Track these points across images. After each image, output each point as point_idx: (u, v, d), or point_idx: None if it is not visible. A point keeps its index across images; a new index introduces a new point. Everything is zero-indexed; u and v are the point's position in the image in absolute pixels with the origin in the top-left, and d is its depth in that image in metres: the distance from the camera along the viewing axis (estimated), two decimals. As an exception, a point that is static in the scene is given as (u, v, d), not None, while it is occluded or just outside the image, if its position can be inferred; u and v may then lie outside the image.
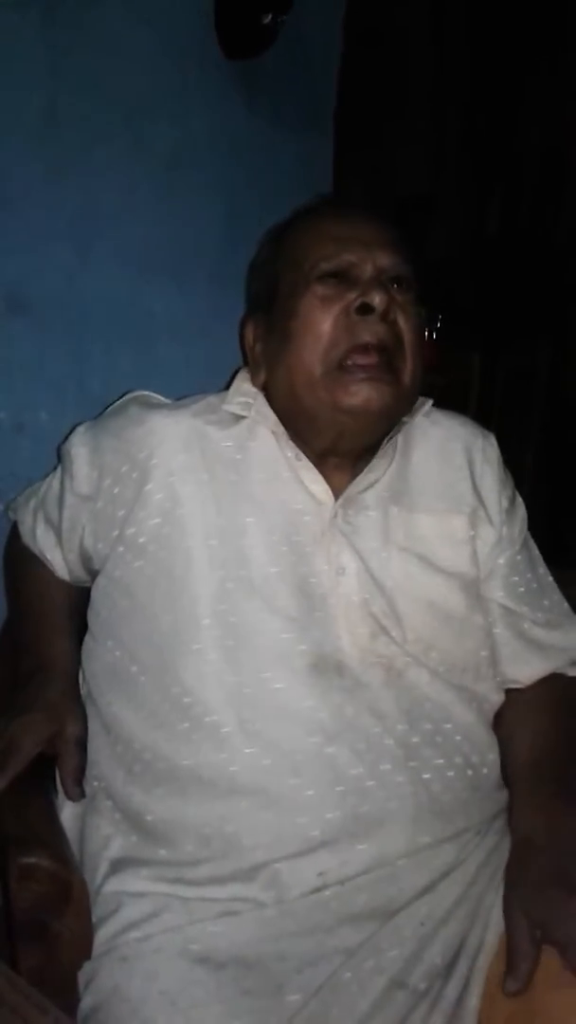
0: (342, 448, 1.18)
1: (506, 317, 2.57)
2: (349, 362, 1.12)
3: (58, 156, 1.41)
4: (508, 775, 1.17)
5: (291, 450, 1.18)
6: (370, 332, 1.11)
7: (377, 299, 1.11)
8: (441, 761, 1.10)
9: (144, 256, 1.55)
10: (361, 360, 1.12)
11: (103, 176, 1.47)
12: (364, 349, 1.12)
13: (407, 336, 1.15)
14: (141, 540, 1.14)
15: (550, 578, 1.31)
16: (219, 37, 1.61)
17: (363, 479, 1.19)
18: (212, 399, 1.25)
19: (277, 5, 1.60)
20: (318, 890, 1.01)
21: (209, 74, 1.62)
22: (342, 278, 1.14)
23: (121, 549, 1.16)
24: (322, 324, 1.13)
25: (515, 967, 0.97)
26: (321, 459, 1.19)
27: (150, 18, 1.50)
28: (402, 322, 1.15)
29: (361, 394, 1.11)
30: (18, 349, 1.42)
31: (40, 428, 1.44)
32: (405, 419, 1.23)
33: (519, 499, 1.31)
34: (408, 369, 1.15)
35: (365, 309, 1.12)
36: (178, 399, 1.28)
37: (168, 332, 1.60)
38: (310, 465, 1.18)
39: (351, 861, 1.02)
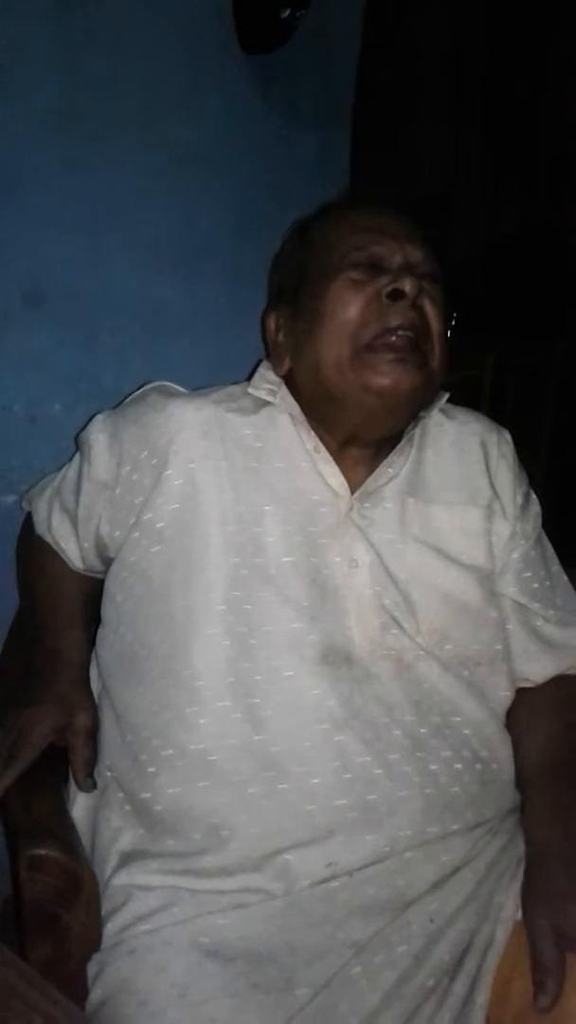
0: (364, 435, 1.18)
1: (520, 317, 2.57)
2: (378, 343, 1.12)
3: (73, 149, 1.40)
4: (519, 775, 1.17)
5: (311, 441, 1.19)
6: (400, 316, 1.12)
7: (408, 285, 1.12)
8: (449, 753, 1.10)
9: (157, 250, 1.54)
10: (391, 341, 1.12)
11: (117, 170, 1.46)
12: (394, 332, 1.12)
13: (434, 324, 1.16)
14: (159, 525, 1.14)
15: (564, 576, 1.30)
16: (237, 31, 1.60)
17: (381, 473, 1.20)
18: (233, 388, 1.26)
19: (296, 0, 1.60)
20: (327, 880, 1.01)
21: (226, 69, 1.62)
22: (373, 267, 1.15)
23: (137, 535, 1.16)
24: (352, 306, 1.13)
25: (544, 983, 0.96)
26: (341, 450, 1.19)
27: (167, 11, 1.50)
28: (430, 309, 1.15)
29: (391, 375, 1.12)
30: (32, 342, 1.41)
31: (54, 420, 1.44)
32: (422, 413, 1.23)
33: (533, 496, 1.31)
34: (435, 355, 1.16)
35: (396, 295, 1.12)
36: (193, 389, 1.28)
37: (181, 326, 1.60)
38: (328, 457, 1.18)
39: (359, 851, 1.03)
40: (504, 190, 2.53)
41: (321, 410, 1.19)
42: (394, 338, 1.12)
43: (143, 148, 1.50)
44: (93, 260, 1.47)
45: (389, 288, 1.12)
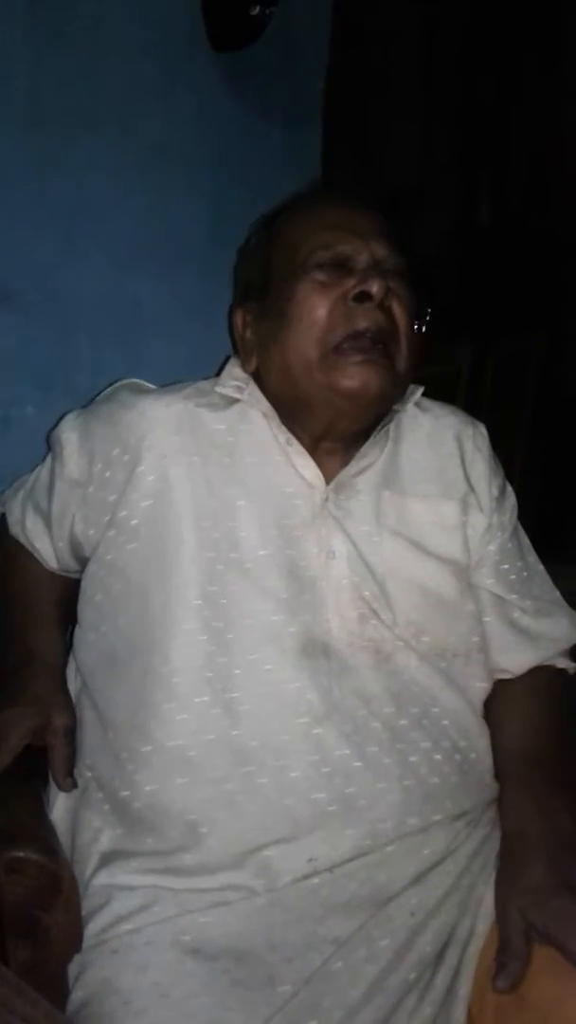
0: (336, 432, 1.18)
1: (496, 310, 2.57)
2: (346, 346, 1.12)
3: (43, 147, 1.40)
4: (497, 766, 1.17)
5: (283, 434, 1.19)
6: (367, 319, 1.12)
7: (375, 287, 1.12)
8: (428, 744, 1.10)
9: (131, 248, 1.54)
10: (358, 344, 1.12)
11: (89, 168, 1.46)
12: (361, 335, 1.12)
13: (402, 323, 1.16)
14: (134, 522, 1.14)
15: (540, 566, 1.31)
16: (207, 29, 1.60)
17: (355, 465, 1.20)
18: (203, 384, 1.25)
19: (265, -3, 1.60)
20: (308, 877, 1.01)
21: (197, 66, 1.62)
22: (339, 267, 1.15)
23: (112, 533, 1.16)
24: (319, 308, 1.13)
25: (508, 965, 0.97)
26: (314, 444, 1.19)
27: (137, 9, 1.50)
28: (397, 310, 1.15)
29: (359, 377, 1.12)
30: (4, 342, 1.41)
31: (27, 421, 1.43)
32: (397, 406, 1.23)
33: (509, 488, 1.31)
34: (403, 355, 1.16)
35: (363, 297, 1.12)
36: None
37: (155, 324, 1.60)
38: (302, 450, 1.18)
39: (340, 846, 1.02)
40: (477, 182, 2.53)
41: (290, 409, 1.19)
42: (362, 341, 1.12)
43: (116, 146, 1.50)
44: (66, 258, 1.47)
45: (356, 290, 1.13)
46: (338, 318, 1.13)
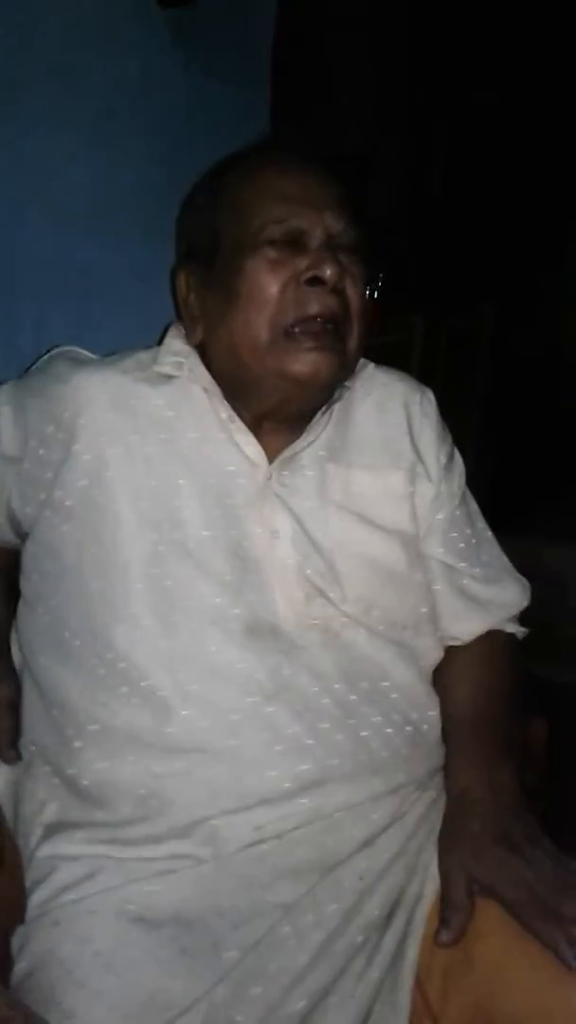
0: (281, 414, 1.16)
1: (449, 278, 2.57)
2: (297, 330, 1.09)
3: (-17, 105, 1.36)
4: (445, 730, 1.17)
5: (225, 411, 1.16)
6: (320, 303, 1.09)
7: (328, 271, 1.09)
8: (379, 719, 1.10)
9: (75, 210, 1.50)
10: (309, 329, 1.09)
11: (32, 127, 1.42)
12: (313, 319, 1.09)
13: (354, 304, 1.13)
14: (68, 503, 1.11)
15: (489, 533, 1.31)
16: (152, -16, 1.56)
17: (300, 442, 1.18)
18: (142, 355, 1.21)
19: (212, -47, 1.56)
20: (255, 844, 1.01)
21: (141, 23, 1.57)
22: (292, 243, 1.11)
23: (48, 512, 1.13)
24: (270, 289, 1.09)
25: (449, 920, 0.98)
26: (257, 422, 1.17)
27: (80, -37, 1.46)
28: (350, 290, 1.13)
29: (309, 363, 1.09)
30: (-55, 305, 1.37)
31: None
32: (347, 384, 1.21)
33: (457, 454, 1.30)
34: (354, 336, 1.14)
35: (315, 281, 1.09)
36: (110, 355, 1.25)
37: (101, 288, 1.56)
38: (244, 427, 1.16)
39: (289, 816, 1.02)
40: (429, 148, 2.52)
41: (235, 388, 1.16)
42: (313, 325, 1.09)
43: (57, 105, 1.46)
44: (11, 221, 1.43)
45: (309, 275, 1.09)
46: (289, 300, 1.09)
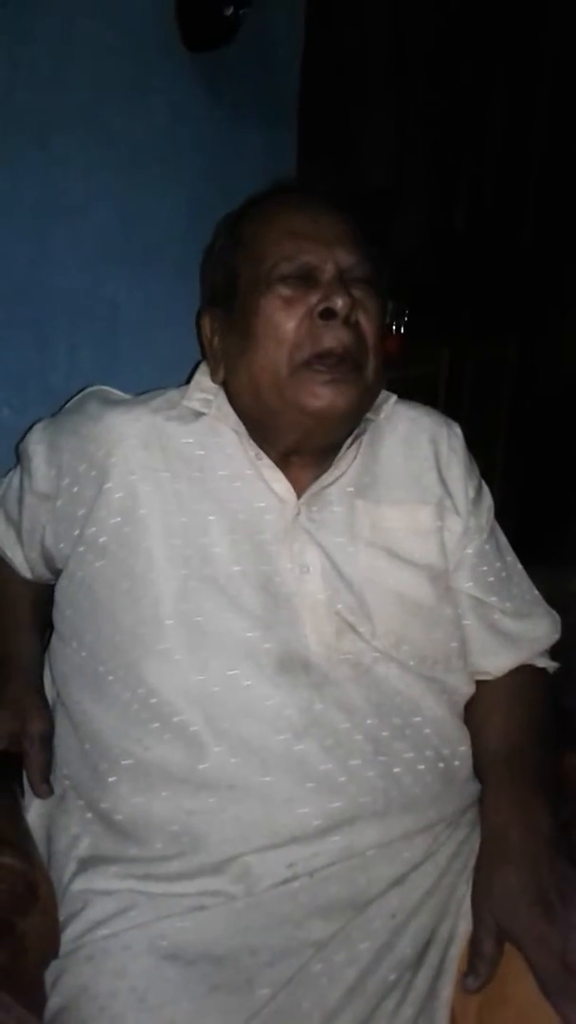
0: (305, 448, 1.17)
1: (475, 311, 2.58)
2: (313, 364, 1.11)
3: (16, 146, 1.39)
4: (479, 767, 1.17)
5: (252, 448, 1.17)
6: (333, 337, 1.10)
7: (340, 303, 1.10)
8: (411, 755, 1.09)
9: (106, 248, 1.53)
10: (325, 362, 1.11)
11: (63, 167, 1.45)
12: (328, 354, 1.11)
13: (369, 336, 1.14)
14: (102, 540, 1.13)
15: (519, 566, 1.30)
16: (181, 29, 1.59)
17: (327, 476, 1.18)
18: (172, 394, 1.23)
19: (239, -3, 1.60)
20: (287, 881, 1.01)
21: (171, 66, 1.61)
22: (304, 279, 1.12)
23: (82, 549, 1.14)
24: (285, 326, 1.11)
25: (477, 967, 0.98)
26: (284, 458, 1.18)
27: (111, 8, 1.49)
28: (364, 322, 1.14)
29: (325, 396, 1.10)
30: (-22, 344, 1.40)
31: (2, 425, 1.42)
32: (370, 416, 1.22)
33: (485, 488, 1.30)
34: (371, 368, 1.15)
35: (328, 314, 1.10)
36: (139, 393, 1.27)
37: (131, 325, 1.59)
38: (271, 463, 1.17)
39: (321, 853, 1.02)
40: (452, 185, 2.54)
41: (259, 424, 1.17)
42: (328, 359, 1.10)
43: (89, 146, 1.50)
44: (41, 259, 1.46)
45: (320, 307, 1.11)
46: (303, 335, 1.11)
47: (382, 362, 1.16)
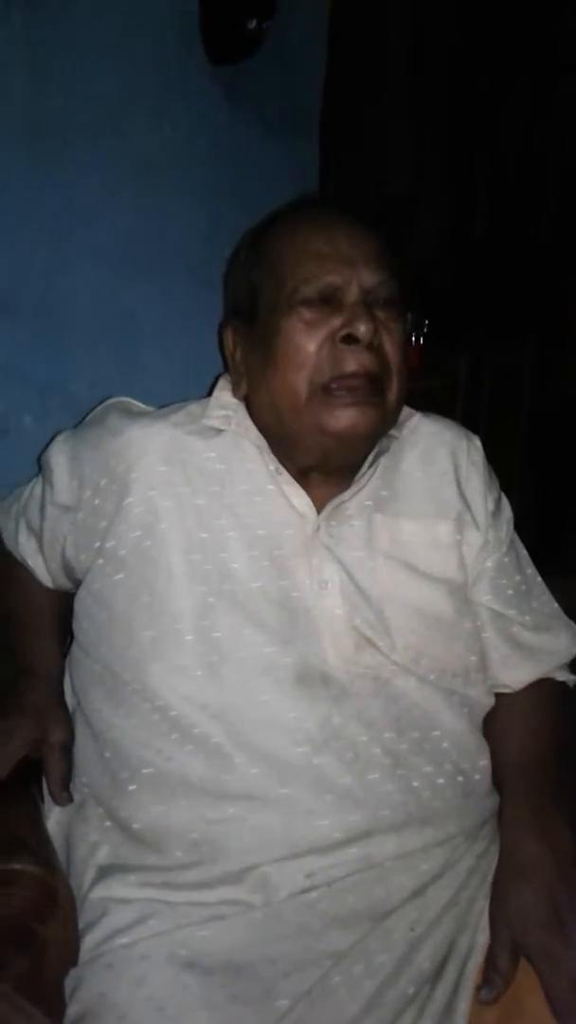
0: (325, 467, 1.17)
1: (492, 319, 2.58)
2: (334, 386, 1.10)
3: (39, 157, 1.40)
4: (498, 780, 1.17)
5: (273, 463, 1.17)
6: (355, 361, 1.10)
7: (362, 329, 1.09)
8: (430, 769, 1.09)
9: (127, 258, 1.54)
10: (347, 385, 1.10)
11: (85, 177, 1.46)
12: (349, 377, 1.10)
13: (392, 358, 1.13)
14: (121, 553, 1.13)
15: (539, 578, 1.30)
16: (204, 42, 1.61)
17: (346, 492, 1.18)
18: (193, 408, 1.23)
19: (262, 10, 1.60)
20: (306, 891, 1.01)
21: (193, 78, 1.62)
22: (327, 301, 1.11)
23: (101, 561, 1.15)
24: (307, 349, 1.10)
25: (492, 981, 0.98)
26: (304, 474, 1.18)
27: (134, 21, 1.50)
28: (387, 345, 1.13)
29: (346, 418, 1.10)
30: (0, 352, 1.41)
31: (24, 432, 1.43)
32: (393, 433, 1.22)
33: (505, 500, 1.30)
34: (393, 390, 1.14)
35: (350, 339, 1.10)
36: (161, 403, 1.27)
37: (151, 334, 1.60)
38: (291, 479, 1.17)
39: (340, 863, 1.02)
40: (471, 193, 2.54)
41: (279, 443, 1.17)
42: (350, 382, 1.10)
43: (112, 156, 1.51)
44: (62, 269, 1.47)
45: (343, 332, 1.10)
46: (325, 359, 1.10)
47: (404, 383, 1.15)
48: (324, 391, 1.10)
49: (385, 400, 1.13)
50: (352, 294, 1.11)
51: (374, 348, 1.11)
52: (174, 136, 1.60)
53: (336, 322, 1.11)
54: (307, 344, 1.10)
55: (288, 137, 1.82)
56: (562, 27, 2.60)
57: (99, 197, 1.49)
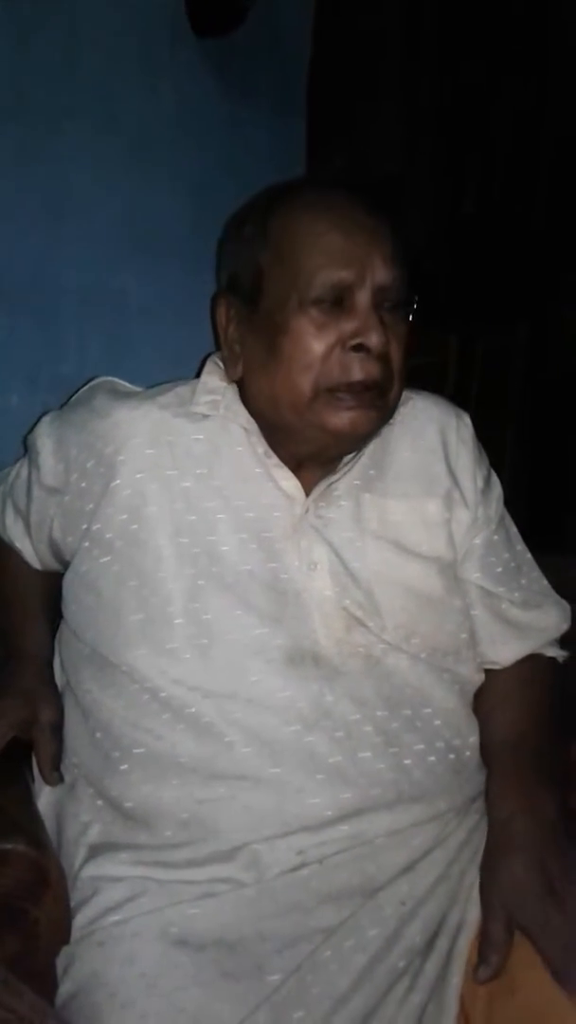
0: (319, 459, 1.17)
1: (483, 298, 2.57)
2: (339, 391, 1.09)
3: (26, 136, 1.39)
4: (486, 756, 1.17)
5: (262, 446, 1.16)
6: (363, 370, 1.08)
7: (375, 340, 1.08)
8: (422, 746, 1.10)
9: (115, 237, 1.54)
10: (353, 391, 1.09)
11: (72, 156, 1.45)
12: (357, 385, 1.09)
13: (396, 364, 1.12)
14: (108, 536, 1.12)
15: (528, 555, 1.30)
16: (189, 14, 1.59)
17: (336, 474, 1.18)
18: (182, 390, 1.21)
19: (248, -17, 1.59)
20: (297, 868, 1.01)
21: (180, 53, 1.61)
22: (338, 300, 1.09)
23: (88, 544, 1.14)
24: (315, 352, 1.08)
25: (488, 957, 0.99)
26: (294, 460, 1.17)
27: (119, -2, 1.49)
28: (394, 351, 1.11)
29: (348, 419, 1.10)
30: (-11, 333, 1.41)
31: (11, 412, 1.43)
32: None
33: (495, 478, 1.30)
34: (395, 391, 1.13)
35: (361, 348, 1.08)
36: (149, 384, 1.26)
37: (140, 313, 1.59)
38: (280, 462, 1.16)
39: (330, 840, 1.02)
40: (461, 172, 2.52)
41: (273, 431, 1.16)
42: (355, 387, 1.09)
43: (98, 136, 1.50)
44: (50, 249, 1.46)
45: (354, 342, 1.08)
46: (333, 364, 1.09)
47: (403, 384, 1.15)
48: (328, 393, 1.09)
49: (386, 402, 1.13)
50: (365, 294, 1.09)
51: (382, 356, 1.10)
52: (160, 113, 1.59)
53: (347, 327, 1.08)
54: (316, 347, 1.09)
55: (276, 113, 1.80)
56: (555, 7, 2.58)
57: (87, 178, 1.48)
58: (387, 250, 1.11)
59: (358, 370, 1.09)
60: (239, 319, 1.17)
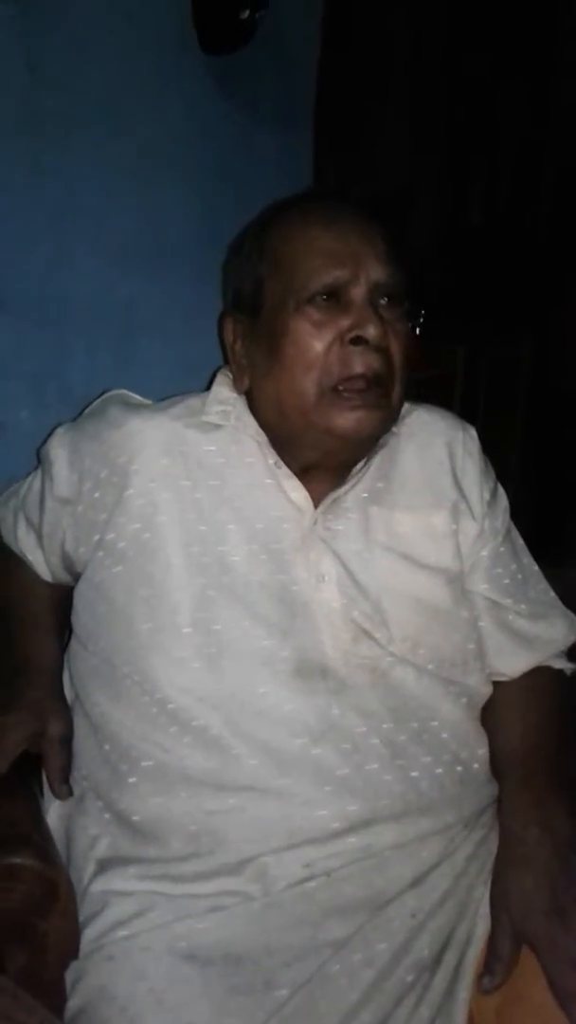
0: (325, 464, 1.18)
1: (489, 309, 2.57)
2: (341, 388, 1.10)
3: (36, 150, 1.39)
4: (496, 768, 1.17)
5: (272, 456, 1.17)
6: (362, 363, 1.10)
7: (372, 331, 1.09)
8: (429, 759, 1.10)
9: (123, 251, 1.54)
10: (354, 386, 1.10)
11: (81, 171, 1.46)
12: (357, 378, 1.10)
13: (396, 358, 1.13)
14: (120, 545, 1.13)
15: (535, 567, 1.30)
16: (197, 32, 1.60)
17: (343, 486, 1.19)
18: (193, 401, 1.23)
19: (256, 0, 1.60)
20: (304, 881, 1.01)
21: (187, 69, 1.61)
22: (334, 298, 1.11)
23: (101, 554, 1.15)
24: (314, 350, 1.10)
25: (493, 968, 0.99)
26: (303, 469, 1.18)
27: (128, 12, 1.50)
28: (394, 346, 1.13)
29: (353, 420, 1.10)
30: (-2, 346, 1.41)
31: (21, 426, 1.43)
32: (393, 429, 1.22)
33: (501, 490, 1.30)
34: (397, 390, 1.14)
35: (359, 340, 1.10)
36: (161, 398, 1.27)
37: (149, 327, 1.59)
38: (290, 473, 1.17)
39: (338, 853, 1.03)
40: (467, 184, 2.53)
41: (281, 439, 1.17)
42: (357, 383, 1.10)
43: (107, 148, 1.50)
44: (59, 262, 1.47)
45: (352, 334, 1.10)
46: (334, 360, 1.10)
47: (406, 383, 1.16)
48: (332, 392, 1.10)
49: (390, 401, 1.14)
50: (360, 290, 1.11)
51: (381, 349, 1.11)
52: (168, 127, 1.60)
53: (344, 322, 1.10)
54: (315, 345, 1.10)
55: (282, 128, 1.81)
56: (560, 18, 2.59)
57: (95, 190, 1.49)
58: (380, 249, 1.13)
59: (358, 363, 1.10)
60: (244, 334, 1.19)
